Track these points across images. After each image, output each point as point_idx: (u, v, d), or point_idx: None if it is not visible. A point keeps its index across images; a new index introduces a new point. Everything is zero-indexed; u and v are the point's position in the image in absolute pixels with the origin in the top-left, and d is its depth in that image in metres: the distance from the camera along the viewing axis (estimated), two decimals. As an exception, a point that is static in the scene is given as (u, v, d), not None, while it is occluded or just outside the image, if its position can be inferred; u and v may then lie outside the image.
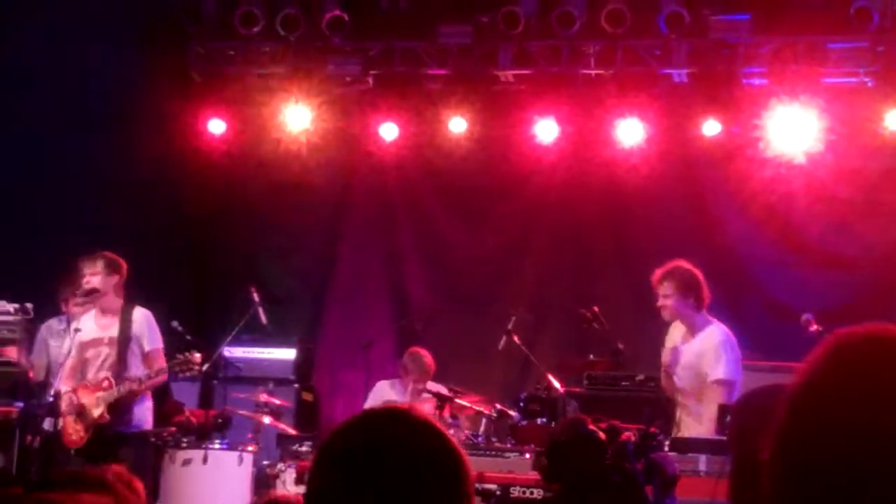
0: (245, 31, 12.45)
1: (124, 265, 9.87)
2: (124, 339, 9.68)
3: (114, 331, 9.73)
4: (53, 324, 10.83)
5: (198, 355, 9.69)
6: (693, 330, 9.27)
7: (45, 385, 10.28)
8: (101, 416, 9.45)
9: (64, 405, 9.58)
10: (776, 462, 1.89)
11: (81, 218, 12.08)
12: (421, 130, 13.12)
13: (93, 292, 9.68)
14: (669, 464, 7.14)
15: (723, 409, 8.61)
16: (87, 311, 9.94)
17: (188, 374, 9.82)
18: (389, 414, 2.32)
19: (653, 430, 8.27)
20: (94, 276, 9.72)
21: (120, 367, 9.62)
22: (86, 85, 12.03)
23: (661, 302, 9.26)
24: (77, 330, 9.60)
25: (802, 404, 1.90)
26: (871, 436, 1.78)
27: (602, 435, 6.47)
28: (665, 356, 9.27)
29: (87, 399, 9.55)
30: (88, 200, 12.29)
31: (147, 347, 9.73)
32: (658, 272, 9.28)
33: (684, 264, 9.33)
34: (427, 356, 11.40)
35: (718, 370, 9.01)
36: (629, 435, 6.88)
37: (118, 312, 9.77)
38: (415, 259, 13.79)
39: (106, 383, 9.53)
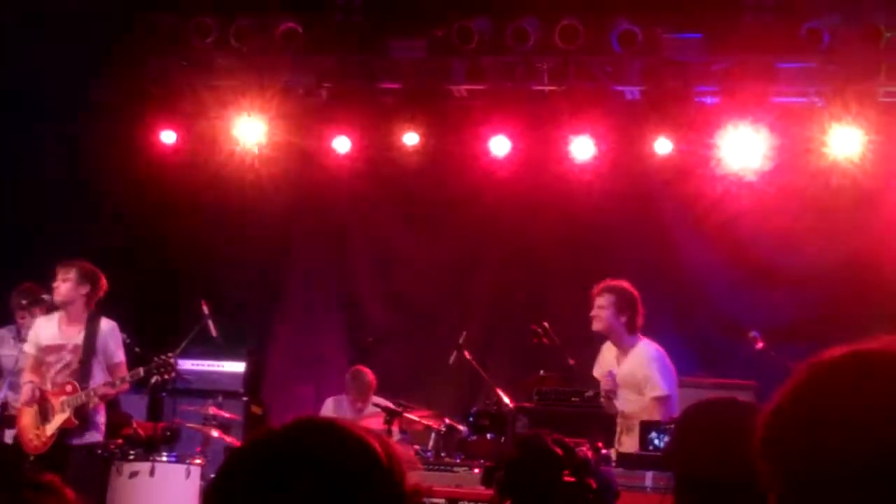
0: (198, 41, 12.39)
1: (101, 278, 9.87)
2: (90, 349, 9.67)
3: (78, 339, 9.71)
4: (3, 333, 10.76)
5: (172, 357, 9.69)
6: (624, 349, 9.42)
7: None
8: (69, 420, 9.45)
9: (25, 395, 9.54)
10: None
11: (30, 228, 12.01)
12: (374, 144, 13.12)
13: (62, 304, 9.68)
14: (615, 478, 7.16)
15: (644, 426, 8.72)
16: (48, 315, 9.92)
17: (167, 376, 9.80)
18: (308, 425, 2.12)
19: (599, 444, 8.33)
20: (64, 282, 9.72)
21: (83, 374, 9.61)
22: (36, 93, 11.96)
23: (594, 312, 9.43)
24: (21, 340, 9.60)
25: (793, 434, 1.86)
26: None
27: (559, 450, 6.47)
28: (604, 382, 9.39)
29: (48, 404, 9.52)
30: (37, 210, 12.22)
31: (113, 360, 9.80)
32: (600, 284, 9.41)
33: (627, 285, 9.46)
34: (368, 374, 11.43)
35: (654, 387, 9.11)
36: (586, 451, 6.90)
37: (84, 321, 9.75)
38: (367, 273, 13.77)
39: (70, 388, 9.52)
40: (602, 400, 9.46)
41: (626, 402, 9.29)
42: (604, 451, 8.97)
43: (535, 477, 6.26)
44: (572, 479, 6.16)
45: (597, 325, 9.49)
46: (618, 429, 9.34)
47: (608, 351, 9.61)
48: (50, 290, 9.90)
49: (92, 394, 9.55)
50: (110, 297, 10.08)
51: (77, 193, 12.49)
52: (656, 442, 8.64)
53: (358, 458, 2.05)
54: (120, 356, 9.87)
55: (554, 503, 6.41)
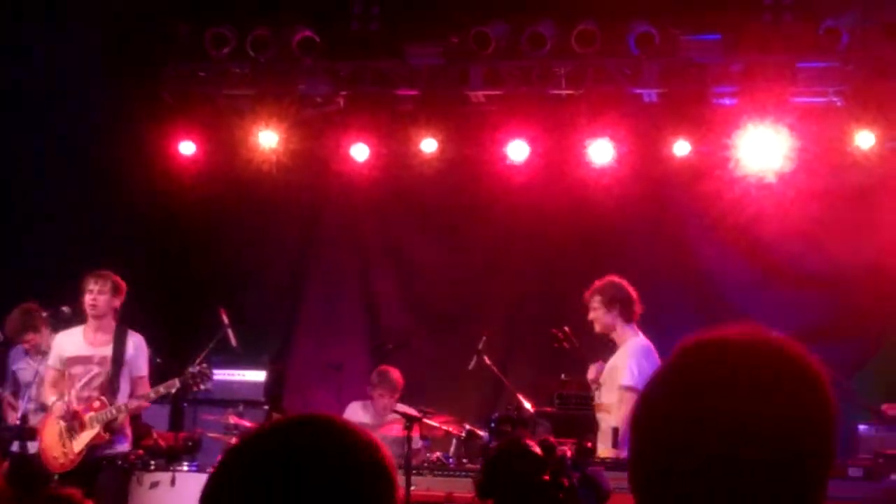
0: (215, 52, 12.41)
1: (125, 290, 9.86)
2: (118, 362, 9.65)
3: (106, 350, 9.67)
4: (17, 347, 10.77)
5: (208, 367, 9.70)
6: (619, 344, 9.35)
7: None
8: (99, 435, 9.41)
9: (58, 412, 9.51)
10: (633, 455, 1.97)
11: (50, 240, 12.04)
12: (392, 151, 13.12)
13: (98, 316, 9.67)
14: (604, 479, 7.15)
15: (616, 429, 8.68)
16: (70, 329, 9.90)
17: (202, 386, 9.78)
18: (307, 421, 2.11)
19: (588, 444, 8.29)
20: (101, 294, 9.68)
21: (111, 388, 9.58)
22: (56, 107, 11.99)
23: (590, 316, 9.39)
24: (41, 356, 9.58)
25: (644, 410, 1.97)
26: (685, 422, 1.87)
27: (538, 450, 6.44)
28: (590, 372, 9.33)
29: (75, 420, 9.49)
30: (56, 223, 12.24)
31: (137, 373, 9.76)
32: (588, 290, 9.39)
33: (615, 279, 9.52)
34: (394, 372, 11.39)
35: (623, 376, 9.04)
36: (566, 450, 6.88)
37: (112, 333, 9.73)
38: (386, 279, 13.76)
39: (98, 403, 9.49)
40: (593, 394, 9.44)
41: (604, 397, 9.25)
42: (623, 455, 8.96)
43: (513, 477, 6.24)
44: (547, 479, 6.13)
45: (597, 328, 9.47)
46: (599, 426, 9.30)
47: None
48: (74, 302, 9.85)
49: (123, 408, 9.52)
50: (131, 307, 10.08)
51: (97, 205, 12.50)
52: None
53: (358, 454, 2.05)
54: (145, 370, 9.84)
55: (532, 502, 6.39)
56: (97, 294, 9.68)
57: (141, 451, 9.95)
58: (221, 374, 12.34)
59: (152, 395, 9.63)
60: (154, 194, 13.07)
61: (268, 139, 12.88)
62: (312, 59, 12.43)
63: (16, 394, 10.53)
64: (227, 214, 13.47)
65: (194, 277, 13.74)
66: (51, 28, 11.67)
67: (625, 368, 9.09)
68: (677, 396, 1.90)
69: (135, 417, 10.52)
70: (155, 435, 10.62)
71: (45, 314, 10.23)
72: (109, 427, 9.49)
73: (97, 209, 12.54)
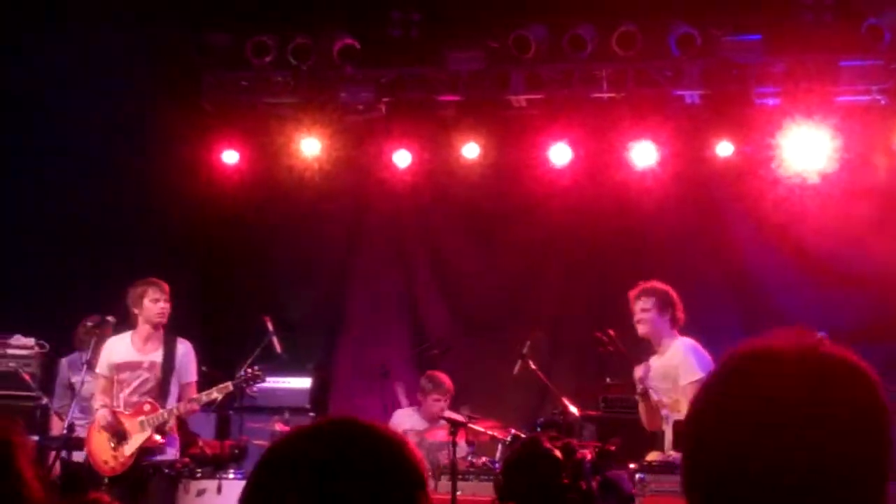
0: (257, 60, 12.46)
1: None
2: (169, 367, 9.73)
3: (155, 356, 9.75)
4: (75, 357, 10.84)
5: (259, 370, 9.73)
6: (663, 347, 9.30)
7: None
8: (150, 439, 9.48)
9: (102, 420, 9.58)
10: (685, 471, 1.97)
11: (95, 250, 12.12)
12: (434, 157, 13.13)
13: (160, 325, 9.77)
14: (626, 482, 7.12)
15: (675, 426, 8.66)
16: (119, 335, 9.96)
17: (256, 385, 9.83)
18: (340, 424, 2.14)
19: (610, 447, 8.26)
20: (167, 303, 9.79)
21: (162, 393, 9.65)
22: (98, 117, 12.07)
23: (638, 316, 9.36)
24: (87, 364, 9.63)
25: (695, 419, 1.98)
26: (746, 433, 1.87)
27: (558, 453, 6.43)
28: (637, 371, 9.28)
29: (128, 424, 9.56)
30: (101, 233, 12.33)
31: (186, 379, 9.82)
32: (636, 289, 9.35)
33: (662, 284, 9.42)
34: (445, 376, 11.38)
35: (690, 373, 9.01)
36: (585, 453, 6.87)
37: (161, 339, 9.81)
38: (430, 285, 13.77)
39: (148, 406, 9.56)
40: (636, 397, 9.36)
41: (662, 393, 9.19)
42: (670, 457, 8.92)
43: (532, 479, 6.23)
44: (566, 482, 6.12)
45: (643, 329, 9.41)
46: (664, 427, 9.23)
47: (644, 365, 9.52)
48: (119, 311, 9.92)
49: (175, 411, 9.58)
50: (175, 316, 10.13)
51: (140, 215, 12.58)
52: None
53: (380, 449, 2.08)
54: (194, 376, 9.90)
55: None
56: (164, 303, 9.78)
57: (187, 459, 10.00)
58: (267, 382, 12.37)
59: (204, 397, 9.66)
60: (197, 203, 13.14)
61: (310, 147, 12.93)
62: (353, 67, 12.46)
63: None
64: (270, 222, 13.52)
65: (238, 286, 13.79)
66: (94, 39, 11.75)
67: (686, 364, 9.07)
68: (732, 408, 1.90)
69: (180, 425, 10.58)
70: (201, 443, 10.67)
71: (89, 323, 10.30)
72: (160, 430, 9.55)
73: (140, 218, 12.62)
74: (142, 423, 9.52)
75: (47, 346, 11.09)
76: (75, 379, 10.66)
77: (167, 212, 12.76)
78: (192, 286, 12.90)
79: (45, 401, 10.80)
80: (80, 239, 12.20)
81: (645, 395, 9.30)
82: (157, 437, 9.54)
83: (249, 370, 9.77)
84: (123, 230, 12.49)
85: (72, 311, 10.93)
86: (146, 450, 9.55)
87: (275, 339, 10.90)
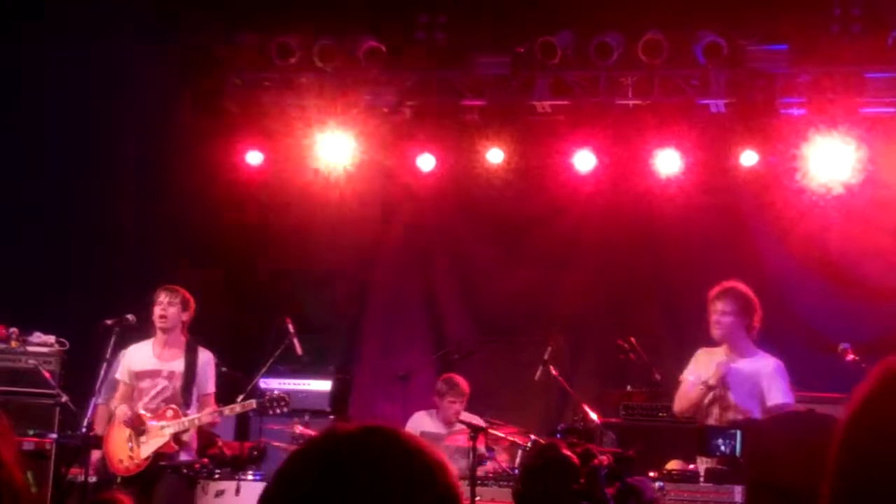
0: (282, 61, 12.47)
1: (194, 306, 9.94)
2: (190, 377, 9.74)
3: (176, 365, 9.77)
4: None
5: (286, 394, 9.75)
6: (741, 353, 9.20)
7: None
8: (168, 444, 9.49)
9: (121, 416, 9.61)
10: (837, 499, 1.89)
11: (119, 250, 12.16)
12: (458, 161, 13.13)
13: (167, 329, 9.75)
14: (648, 488, 7.09)
15: (709, 431, 8.61)
16: (139, 343, 9.98)
17: (279, 410, 9.83)
18: (359, 429, 2.12)
19: (630, 454, 8.21)
20: (171, 306, 9.78)
21: (182, 401, 9.67)
22: (122, 118, 12.12)
23: (716, 318, 9.20)
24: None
25: (855, 436, 1.90)
26: None
27: (575, 459, 6.41)
28: (718, 369, 9.08)
29: (148, 425, 9.58)
30: (125, 232, 12.37)
31: (204, 391, 9.85)
32: (716, 289, 9.21)
33: (743, 286, 9.26)
34: (461, 379, 11.38)
35: (779, 395, 8.98)
36: (602, 459, 6.84)
37: (182, 348, 9.81)
38: (452, 290, 13.76)
39: (171, 412, 9.57)
40: (702, 385, 9.18)
41: (740, 398, 9.08)
42: (691, 467, 8.90)
43: (548, 484, 6.22)
44: (581, 487, 6.10)
45: (719, 333, 9.26)
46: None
47: (707, 355, 9.39)
48: (140, 313, 9.93)
49: (196, 421, 9.59)
50: (198, 316, 10.15)
51: (163, 216, 12.62)
52: (723, 448, 8.54)
53: (415, 461, 2.05)
54: (212, 387, 9.93)
55: None
56: (167, 306, 9.78)
57: (206, 460, 10.02)
58: (287, 384, 12.40)
59: (227, 411, 9.70)
60: (220, 204, 13.15)
61: (334, 149, 12.92)
62: (379, 70, 12.46)
63: None
64: (292, 224, 13.52)
65: (260, 287, 13.80)
66: (120, 40, 11.79)
67: (777, 388, 9.06)
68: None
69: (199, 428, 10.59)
70: (220, 444, 10.67)
71: (109, 322, 10.29)
72: (178, 438, 9.55)
73: (163, 220, 12.66)
74: (163, 427, 9.53)
75: (67, 343, 11.10)
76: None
77: (190, 212, 12.79)
78: (215, 287, 12.91)
79: (64, 399, 10.80)
80: (103, 239, 12.24)
81: (713, 388, 9.12)
82: (174, 445, 9.53)
83: (277, 393, 9.76)
84: (146, 230, 12.52)
85: (93, 312, 10.93)
86: (161, 454, 9.55)
87: (296, 341, 10.91)
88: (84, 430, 9.60)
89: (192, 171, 12.63)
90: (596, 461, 6.72)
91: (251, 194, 13.23)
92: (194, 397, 9.76)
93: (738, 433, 8.51)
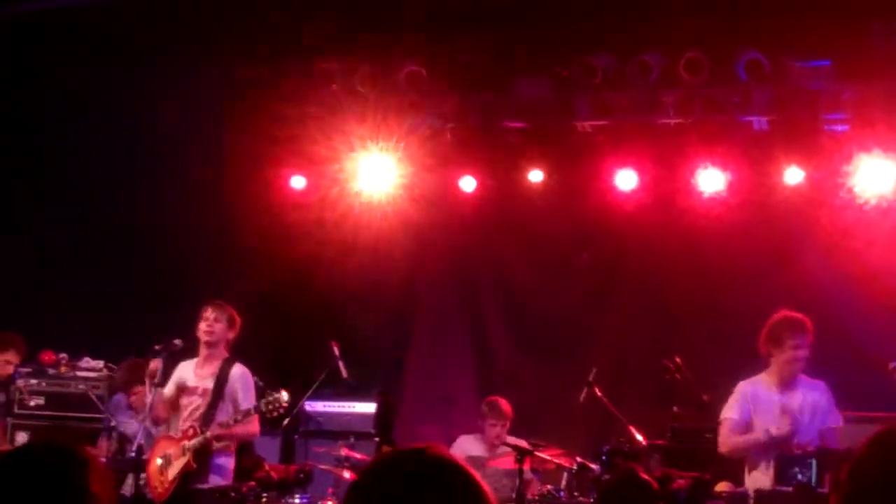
0: (324, 87, 12.53)
1: (239, 324, 9.95)
2: (218, 394, 9.73)
3: (209, 382, 9.77)
4: (119, 399, 10.96)
5: (284, 393, 9.63)
6: (792, 384, 9.11)
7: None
8: (188, 463, 9.49)
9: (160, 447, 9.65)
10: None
11: (166, 274, 12.23)
12: (500, 183, 13.14)
13: (210, 344, 9.76)
14: None
15: (784, 460, 8.50)
16: (189, 360, 10.00)
17: (276, 413, 9.79)
18: (414, 455, 2.39)
19: (706, 477, 8.15)
20: (217, 322, 9.80)
21: (207, 418, 9.65)
22: (169, 143, 12.21)
23: (797, 354, 9.17)
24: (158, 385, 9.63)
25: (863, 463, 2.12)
26: None
27: (655, 484, 6.39)
28: (787, 423, 8.92)
29: (172, 449, 9.60)
30: (172, 256, 12.44)
31: (242, 406, 9.74)
32: (789, 321, 9.20)
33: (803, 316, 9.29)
34: (503, 402, 11.36)
35: (835, 418, 8.94)
36: (682, 483, 6.80)
37: (218, 364, 9.83)
38: (495, 311, 13.74)
39: (191, 431, 9.58)
40: (762, 437, 9.03)
41: (806, 433, 9.00)
42: (739, 489, 8.83)
43: None
44: None
45: (798, 367, 9.20)
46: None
47: (750, 386, 9.25)
48: (186, 335, 9.95)
49: (209, 435, 9.55)
50: (244, 339, 10.18)
51: (210, 239, 12.69)
52: (800, 477, 8.42)
53: (470, 478, 2.34)
54: (249, 402, 9.83)
55: None
56: (213, 322, 9.81)
57: (253, 483, 10.02)
58: (332, 406, 12.44)
59: (231, 421, 9.64)
60: (265, 228, 13.22)
61: (377, 172, 12.97)
62: (420, 93, 12.49)
63: (121, 448, 10.67)
64: (336, 248, 13.55)
65: (305, 310, 13.84)
66: (162, 64, 11.88)
67: (833, 412, 9.08)
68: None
69: (247, 449, 10.60)
70: (267, 467, 10.70)
71: (157, 347, 10.33)
72: (199, 456, 9.53)
73: (210, 243, 12.72)
74: (184, 447, 9.54)
75: (116, 368, 11.19)
76: (114, 422, 10.72)
77: (236, 238, 12.86)
78: (260, 310, 12.96)
79: (113, 423, 10.88)
80: (151, 264, 12.33)
81: (784, 438, 8.98)
82: (193, 463, 9.50)
83: (274, 394, 9.64)
84: (192, 255, 12.60)
85: (142, 337, 10.97)
86: (187, 476, 9.53)
87: (341, 364, 10.94)
88: (133, 454, 9.63)
89: (237, 196, 12.71)
90: (675, 485, 6.71)
91: (295, 219, 13.28)
92: (222, 415, 9.69)
93: (814, 461, 8.42)
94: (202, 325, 9.84)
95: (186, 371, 9.92)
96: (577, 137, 12.77)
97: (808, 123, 11.82)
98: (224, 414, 9.69)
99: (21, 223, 12.54)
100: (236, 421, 9.58)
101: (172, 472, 9.57)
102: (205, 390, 9.78)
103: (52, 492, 2.92)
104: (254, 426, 9.81)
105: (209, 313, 9.85)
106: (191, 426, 9.64)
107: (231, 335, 9.93)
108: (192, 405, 9.78)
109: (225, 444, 9.71)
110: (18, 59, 12.02)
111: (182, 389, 9.84)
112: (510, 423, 11.30)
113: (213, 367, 9.86)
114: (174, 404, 9.90)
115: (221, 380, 9.77)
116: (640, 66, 11.80)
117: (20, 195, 12.67)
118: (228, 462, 9.83)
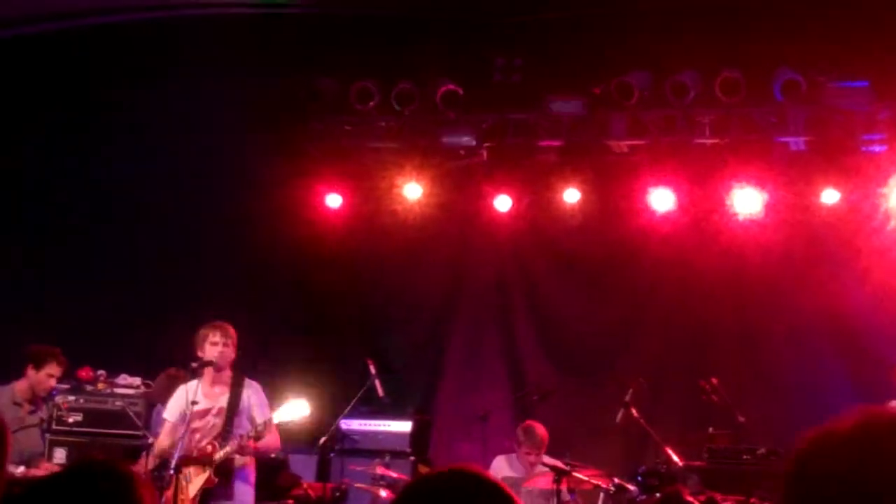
0: (361, 106, 12.58)
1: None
2: (233, 410, 9.71)
3: (223, 401, 9.76)
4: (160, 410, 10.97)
5: (304, 401, 9.63)
6: None
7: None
8: (209, 479, 9.49)
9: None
10: None
11: (202, 293, 12.27)
12: (535, 202, 13.16)
13: (209, 364, 9.71)
14: None
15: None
16: (187, 384, 9.98)
17: (296, 420, 9.77)
18: (454, 475, 2.40)
19: (753, 501, 8.13)
20: (226, 346, 9.78)
21: (224, 434, 9.63)
22: (205, 162, 12.26)
23: None
24: (194, 402, 9.62)
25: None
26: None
27: None
28: None
29: (191, 467, 9.62)
30: (208, 276, 12.49)
31: (259, 419, 9.73)
32: None
33: None
34: (540, 428, 11.31)
35: None
36: None
37: (228, 382, 9.82)
38: (530, 330, 13.73)
39: (210, 448, 9.57)
40: None
41: None
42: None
43: None
44: None
45: None
46: None
47: None
48: (197, 357, 9.89)
49: (230, 449, 9.53)
50: (280, 358, 10.20)
51: (246, 258, 12.74)
52: None
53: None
54: (266, 415, 9.78)
55: None
56: (222, 346, 9.77)
57: (291, 502, 10.04)
58: (368, 425, 12.46)
59: (250, 433, 9.61)
60: (301, 246, 13.27)
61: (412, 191, 13.02)
62: (456, 112, 12.53)
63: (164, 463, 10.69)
64: (371, 266, 13.61)
65: (341, 329, 13.86)
66: (208, 85, 11.95)
67: None
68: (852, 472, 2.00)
69: (283, 467, 10.62)
70: (304, 485, 10.73)
71: (194, 365, 10.35)
72: (219, 471, 9.52)
73: (246, 261, 12.77)
74: (203, 463, 9.54)
75: (153, 385, 11.23)
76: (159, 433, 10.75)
77: (272, 256, 12.90)
78: (296, 329, 13.02)
79: (150, 440, 10.91)
80: (187, 282, 12.37)
81: None
82: (214, 478, 9.49)
83: (262, 421, 9.60)
84: (229, 273, 12.64)
85: (172, 352, 11.01)
86: (208, 492, 9.52)
87: (377, 383, 10.95)
88: (172, 471, 9.66)
89: (273, 214, 12.76)
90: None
91: (331, 236, 13.33)
92: (240, 430, 9.68)
93: None
94: (214, 350, 9.76)
95: (193, 395, 9.85)
96: (612, 157, 12.78)
97: (844, 144, 11.80)
98: (242, 429, 9.67)
99: (72, 242, 12.58)
100: (257, 433, 9.57)
101: (193, 489, 9.57)
102: (220, 409, 9.74)
103: None
104: (274, 439, 9.78)
105: (217, 337, 9.79)
106: (209, 443, 9.64)
107: (235, 355, 9.89)
108: (209, 424, 9.73)
109: (246, 459, 9.70)
110: (66, 76, 12.10)
111: (194, 413, 9.82)
112: (545, 449, 11.27)
113: (223, 386, 9.83)
114: (175, 428, 9.85)
115: (235, 396, 9.74)
116: (677, 86, 11.81)
117: (69, 213, 12.73)
118: (252, 480, 9.82)
